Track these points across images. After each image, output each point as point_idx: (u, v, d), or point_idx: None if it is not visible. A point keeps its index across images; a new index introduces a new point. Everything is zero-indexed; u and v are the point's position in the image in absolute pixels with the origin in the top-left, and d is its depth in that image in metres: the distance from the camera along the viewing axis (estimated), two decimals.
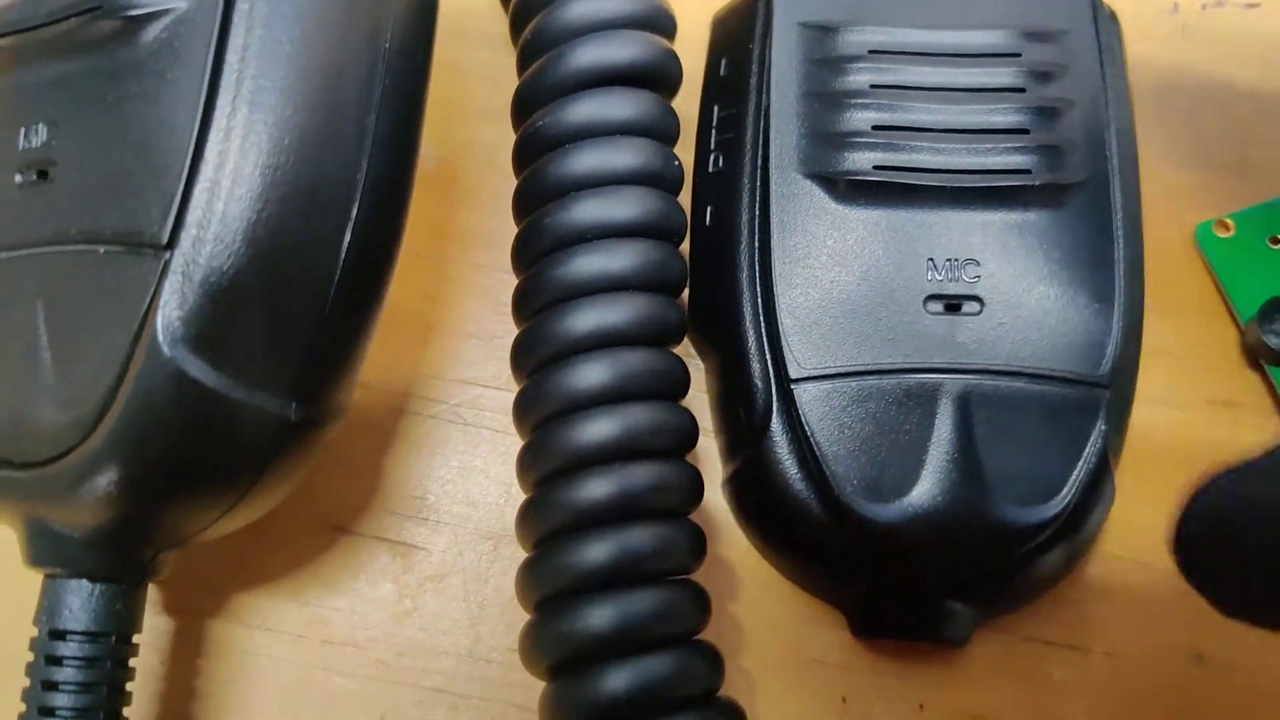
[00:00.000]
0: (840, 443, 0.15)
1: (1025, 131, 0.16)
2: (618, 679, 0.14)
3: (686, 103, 0.18)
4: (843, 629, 0.17)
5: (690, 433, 0.16)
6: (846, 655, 0.17)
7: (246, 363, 0.13)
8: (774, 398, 0.16)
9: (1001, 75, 0.17)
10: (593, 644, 0.14)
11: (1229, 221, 0.18)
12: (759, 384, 0.16)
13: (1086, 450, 0.15)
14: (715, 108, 0.18)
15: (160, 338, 0.13)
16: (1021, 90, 0.17)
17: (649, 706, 0.14)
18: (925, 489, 0.15)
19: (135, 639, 0.14)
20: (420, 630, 0.17)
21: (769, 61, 0.17)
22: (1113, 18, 0.18)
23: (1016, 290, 0.16)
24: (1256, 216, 0.18)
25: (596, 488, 0.15)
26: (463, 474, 0.18)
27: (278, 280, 0.13)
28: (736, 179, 0.17)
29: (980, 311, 0.16)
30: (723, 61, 0.18)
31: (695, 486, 0.15)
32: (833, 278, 0.16)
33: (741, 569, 0.17)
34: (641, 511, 0.15)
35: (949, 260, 0.16)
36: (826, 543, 0.16)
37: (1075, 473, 0.15)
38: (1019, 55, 0.17)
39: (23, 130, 0.14)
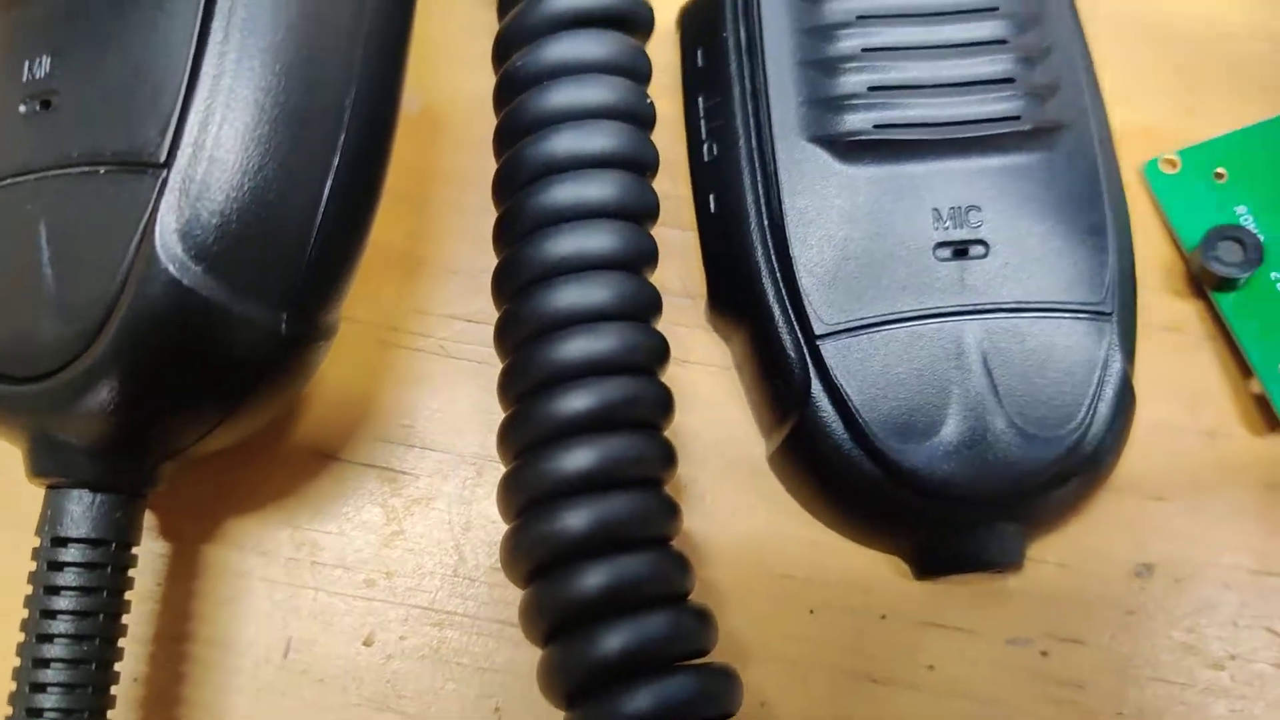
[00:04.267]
0: (868, 392, 0.16)
1: (1011, 80, 0.17)
2: (593, 578, 0.15)
3: (667, 100, 0.19)
4: (811, 546, 0.17)
5: (662, 351, 0.16)
6: (813, 570, 0.17)
7: (240, 275, 0.14)
8: (809, 361, 0.16)
9: (984, 28, 0.18)
10: (570, 546, 0.15)
11: (1175, 158, 0.19)
12: (792, 353, 0.16)
13: (1099, 374, 0.16)
14: (700, 99, 0.19)
15: (158, 249, 0.13)
16: (1004, 41, 0.17)
17: (623, 605, 0.15)
18: (950, 429, 0.16)
19: (135, 550, 0.15)
20: (407, 552, 0.18)
21: (760, 36, 0.18)
22: None
23: (1018, 230, 0.17)
24: (1201, 153, 0.19)
25: (574, 400, 0.15)
26: (447, 403, 0.18)
27: (269, 197, 0.14)
28: (734, 163, 0.18)
29: (986, 254, 0.16)
30: (698, 52, 0.19)
31: (667, 401, 0.16)
32: (845, 235, 0.16)
33: (712, 491, 0.18)
34: (616, 423, 0.15)
35: (953, 208, 0.17)
36: (878, 493, 0.16)
37: (1090, 396, 0.16)
38: (996, 9, 0.18)
39: (27, 63, 0.15)
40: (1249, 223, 0.19)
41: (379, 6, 0.15)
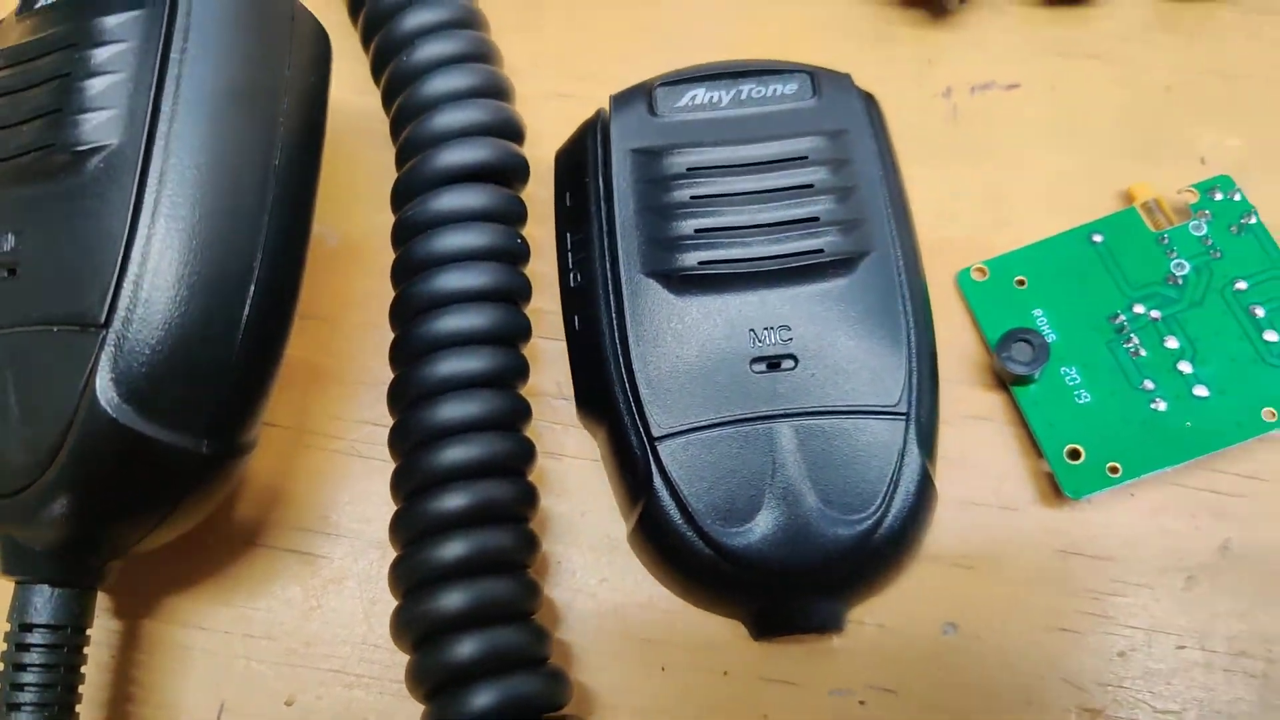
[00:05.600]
0: (698, 484, 0.19)
1: (816, 219, 0.20)
2: (463, 649, 0.18)
3: (545, 228, 0.22)
4: (664, 613, 0.20)
5: (528, 455, 0.20)
6: (666, 633, 0.20)
7: (166, 410, 0.17)
8: (650, 458, 0.19)
9: (794, 177, 0.21)
10: (444, 622, 0.18)
11: (984, 267, 0.23)
12: (638, 451, 0.19)
13: (895, 464, 0.19)
14: (568, 234, 0.22)
15: (98, 394, 0.17)
16: (810, 186, 0.21)
17: (488, 670, 0.18)
18: (766, 515, 0.19)
19: (88, 632, 0.18)
20: (323, 624, 0.21)
21: (611, 185, 0.21)
22: (872, 99, 0.22)
23: (823, 345, 0.20)
24: (1005, 262, 0.23)
25: (449, 500, 0.19)
26: (358, 496, 0.21)
27: (190, 346, 0.17)
28: (593, 290, 0.21)
29: (795, 366, 0.19)
30: (567, 194, 0.22)
31: (531, 497, 0.19)
32: (677, 353, 0.20)
33: (582, 567, 0.21)
34: (485, 518, 0.19)
35: (767, 328, 0.20)
36: (711, 570, 0.19)
37: (887, 484, 0.19)
38: (806, 158, 0.21)
39: None
40: (1044, 324, 0.22)
41: (283, 179, 0.19)
